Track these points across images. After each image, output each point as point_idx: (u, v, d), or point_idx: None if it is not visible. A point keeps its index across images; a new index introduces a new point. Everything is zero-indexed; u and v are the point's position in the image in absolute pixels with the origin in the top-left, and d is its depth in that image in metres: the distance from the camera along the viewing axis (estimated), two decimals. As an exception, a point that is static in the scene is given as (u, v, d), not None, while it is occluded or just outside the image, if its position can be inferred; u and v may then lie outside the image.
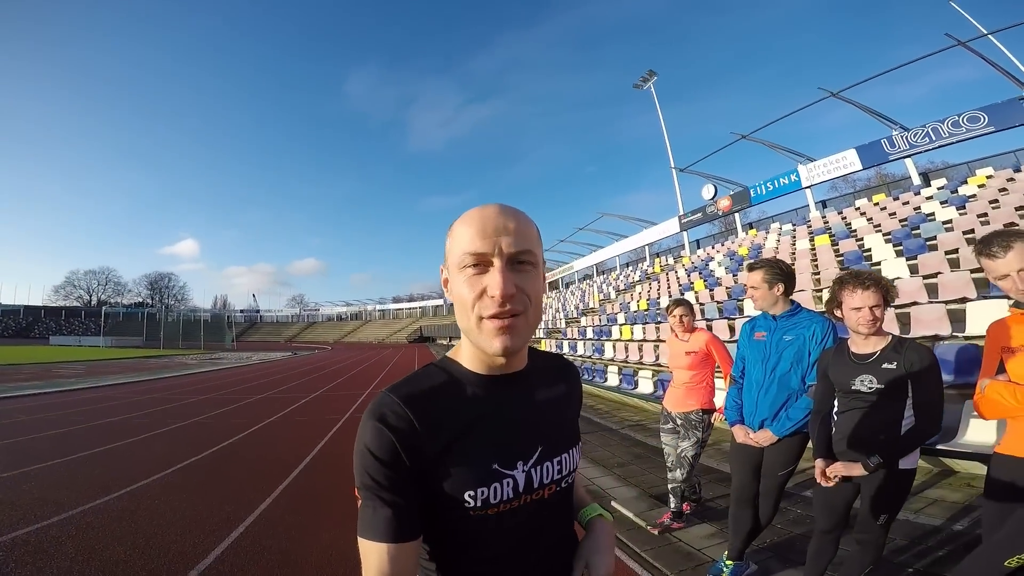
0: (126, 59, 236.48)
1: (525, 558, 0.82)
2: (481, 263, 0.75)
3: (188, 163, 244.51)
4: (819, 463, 2.17)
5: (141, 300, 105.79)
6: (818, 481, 2.16)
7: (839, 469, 2.08)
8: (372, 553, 0.71)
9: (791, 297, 2.72)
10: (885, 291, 2.08)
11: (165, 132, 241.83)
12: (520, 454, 0.81)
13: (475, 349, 0.81)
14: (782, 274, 2.65)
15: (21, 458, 5.79)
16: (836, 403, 2.24)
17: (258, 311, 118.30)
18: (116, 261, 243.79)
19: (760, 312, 2.82)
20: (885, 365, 2.05)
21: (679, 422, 3.61)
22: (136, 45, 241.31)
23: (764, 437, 2.59)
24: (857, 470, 2.03)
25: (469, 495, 0.75)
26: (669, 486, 3.62)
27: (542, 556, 0.85)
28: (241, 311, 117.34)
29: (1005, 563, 1.59)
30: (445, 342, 50.46)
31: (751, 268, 2.73)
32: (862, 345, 2.15)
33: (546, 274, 0.90)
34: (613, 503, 4.11)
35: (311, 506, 4.22)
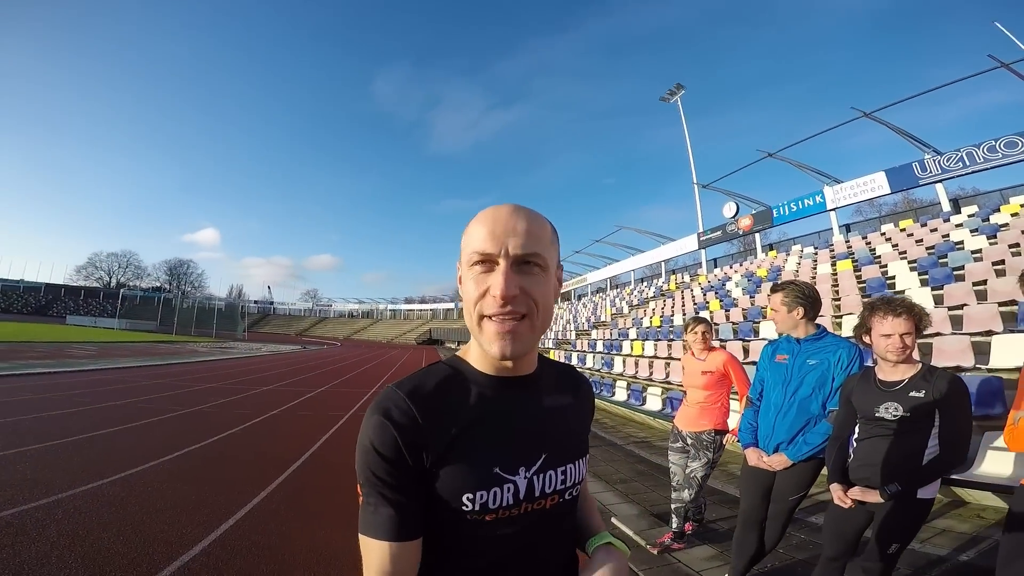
0: (166, 48, 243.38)
1: (521, 566, 0.80)
2: (488, 262, 0.75)
3: (215, 152, 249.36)
4: (835, 487, 2.14)
5: (159, 285, 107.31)
6: (835, 503, 2.12)
7: (856, 494, 2.05)
8: (373, 551, 0.70)
9: (816, 321, 2.64)
10: (918, 319, 2.02)
11: (196, 120, 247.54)
12: (523, 459, 0.79)
13: (482, 349, 0.80)
14: (804, 297, 2.57)
15: (21, 437, 5.78)
16: (857, 430, 2.18)
17: (271, 303, 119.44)
18: (139, 245, 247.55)
19: (783, 335, 2.73)
20: (913, 393, 1.99)
21: (690, 441, 3.50)
22: (177, 35, 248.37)
23: (778, 461, 2.50)
24: (873, 496, 2.00)
25: (468, 498, 0.73)
26: (673, 505, 3.51)
27: (537, 570, 0.82)
28: (255, 302, 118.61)
29: None
30: (453, 346, 50.46)
31: (774, 289, 2.67)
32: (890, 372, 2.09)
33: (561, 279, 0.85)
34: (613, 519, 3.98)
35: (305, 504, 4.13)
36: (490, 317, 0.74)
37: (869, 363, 2.31)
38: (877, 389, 2.09)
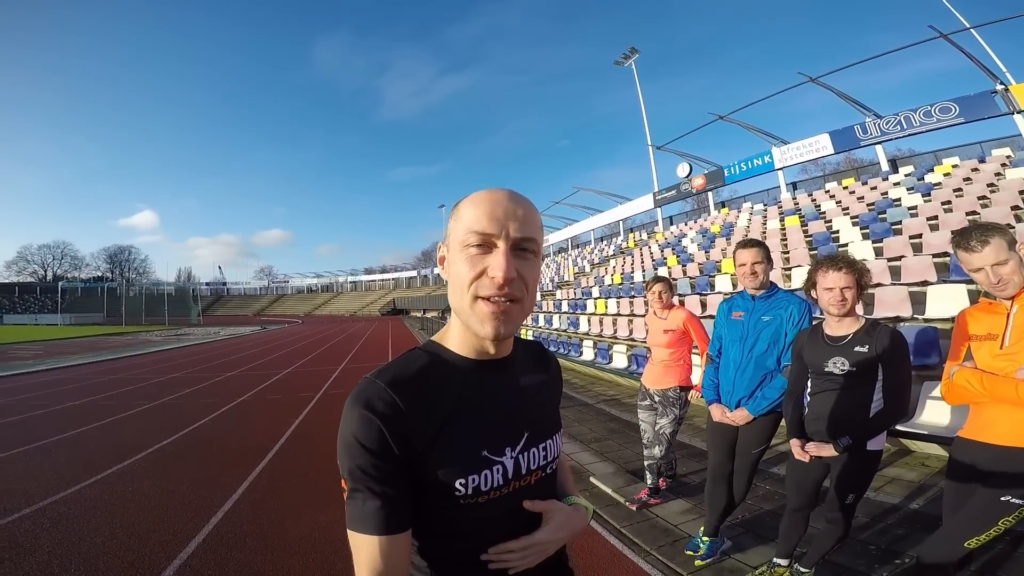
0: (72, 20, 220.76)
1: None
2: (486, 243, 0.74)
3: (137, 129, 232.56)
4: (794, 442, 2.26)
5: (100, 274, 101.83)
6: (796, 457, 2.25)
7: (812, 450, 2.18)
8: (363, 546, 0.69)
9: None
10: (859, 274, 2.12)
11: (110, 95, 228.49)
12: (508, 440, 0.81)
13: (464, 332, 0.81)
14: (770, 252, 2.71)
15: None
16: (809, 384, 2.31)
17: (224, 284, 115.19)
18: (71, 234, 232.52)
19: (738, 292, 2.86)
20: (857, 348, 2.10)
21: (657, 399, 3.67)
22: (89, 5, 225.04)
23: (741, 416, 2.66)
24: (828, 451, 2.13)
25: (460, 483, 0.74)
26: (646, 462, 3.71)
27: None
28: (207, 284, 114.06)
29: (965, 544, 1.69)
30: (419, 314, 50.14)
31: (748, 245, 2.69)
32: (836, 327, 2.21)
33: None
34: (591, 479, 4.21)
35: (290, 487, 4.20)
36: (486, 299, 0.74)
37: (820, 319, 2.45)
38: (825, 344, 2.21)
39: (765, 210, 18.02)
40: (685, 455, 4.67)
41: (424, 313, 48.35)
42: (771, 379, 2.63)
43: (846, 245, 9.23)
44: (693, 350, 3.76)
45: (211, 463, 4.96)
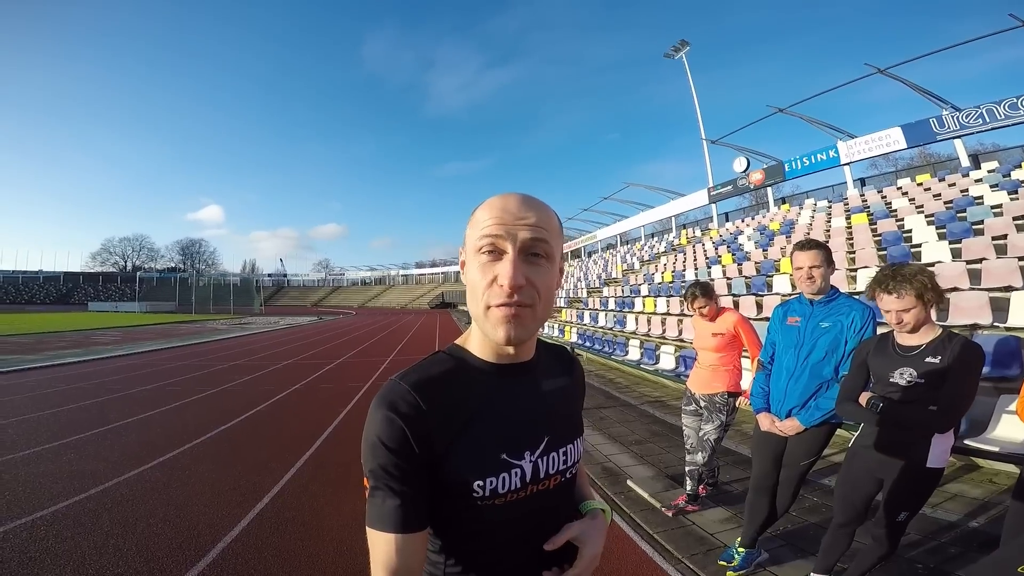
0: (141, 25, 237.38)
1: (527, 546, 0.84)
2: (495, 250, 0.75)
3: (201, 126, 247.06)
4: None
5: (174, 265, 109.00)
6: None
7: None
8: (380, 543, 0.71)
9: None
10: (920, 293, 1.97)
11: (175, 94, 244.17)
12: (528, 444, 0.82)
13: (484, 337, 0.82)
14: (831, 255, 2.54)
15: (61, 429, 6.04)
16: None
17: (285, 275, 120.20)
18: (148, 228, 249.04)
19: (796, 296, 2.72)
20: (929, 359, 1.97)
21: (703, 404, 3.56)
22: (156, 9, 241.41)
23: (791, 426, 2.54)
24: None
25: (478, 485, 0.75)
26: (687, 468, 3.61)
27: (540, 550, 0.86)
28: (269, 275, 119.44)
29: (1020, 570, 1.55)
30: (467, 308, 50.77)
31: (805, 247, 2.53)
32: (908, 337, 2.07)
33: (569, 243, 0.90)
34: (628, 482, 4.13)
35: (333, 476, 4.34)
36: (497, 306, 0.74)
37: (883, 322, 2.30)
38: (895, 353, 2.07)
39: (830, 207, 16.98)
40: (730, 462, 4.52)
41: (472, 307, 48.73)
42: (826, 389, 2.48)
43: (919, 246, 8.56)
44: (744, 353, 3.60)
45: (263, 449, 5.21)
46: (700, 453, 3.50)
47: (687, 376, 3.88)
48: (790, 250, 2.66)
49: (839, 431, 2.61)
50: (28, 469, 4.52)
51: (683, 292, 3.66)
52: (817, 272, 2.49)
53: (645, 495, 3.86)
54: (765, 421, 2.67)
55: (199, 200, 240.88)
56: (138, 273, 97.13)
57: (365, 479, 0.75)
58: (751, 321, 3.57)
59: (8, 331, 23.86)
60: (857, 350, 2.28)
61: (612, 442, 5.33)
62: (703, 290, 3.56)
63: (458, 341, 0.89)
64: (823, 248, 2.52)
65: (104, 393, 8.48)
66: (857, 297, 2.57)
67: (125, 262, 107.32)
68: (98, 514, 3.60)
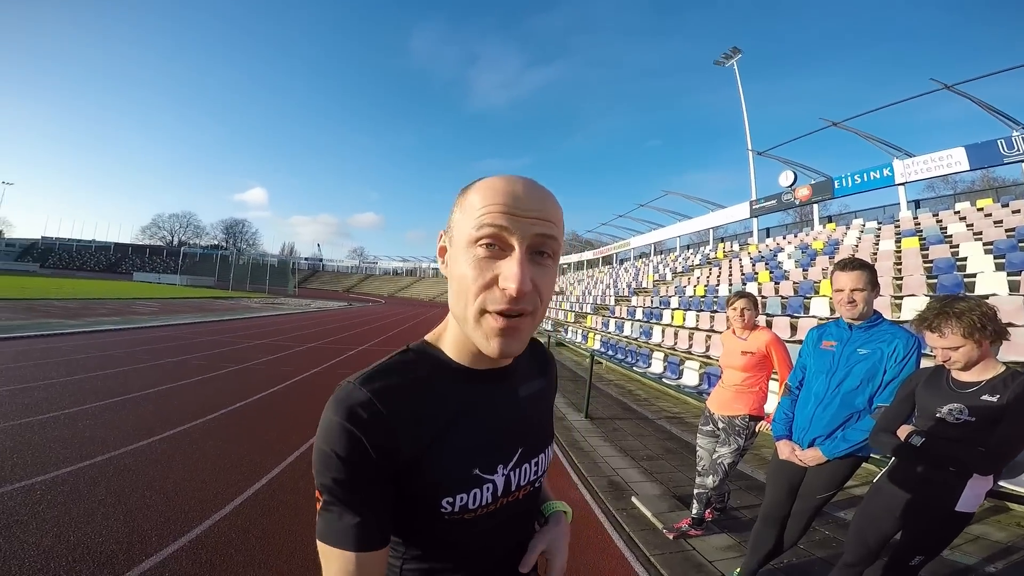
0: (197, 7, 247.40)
1: (493, 555, 0.79)
2: (499, 244, 0.65)
3: (256, 109, 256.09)
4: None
5: (216, 243, 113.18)
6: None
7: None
8: (335, 561, 0.64)
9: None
10: (968, 332, 1.79)
11: (230, 76, 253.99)
12: (501, 457, 0.76)
13: (462, 337, 0.74)
14: (876, 277, 2.31)
15: (84, 395, 6.15)
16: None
17: (321, 260, 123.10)
18: (196, 206, 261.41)
19: (834, 319, 2.51)
20: (985, 397, 1.78)
21: (721, 425, 3.35)
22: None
23: (812, 456, 2.34)
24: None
25: (447, 502, 0.69)
26: (695, 490, 3.41)
27: (506, 555, 0.83)
28: (305, 259, 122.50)
29: None
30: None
31: (848, 267, 2.30)
32: (965, 373, 1.88)
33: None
34: (633, 499, 3.94)
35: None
36: (495, 313, 0.64)
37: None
38: (948, 388, 1.90)
39: (879, 228, 16.16)
40: (743, 487, 4.27)
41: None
42: (857, 420, 2.27)
43: (974, 276, 7.98)
44: (773, 376, 3.37)
45: (272, 430, 5.20)
46: (711, 476, 3.30)
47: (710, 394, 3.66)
48: (831, 270, 2.43)
49: (865, 464, 2.39)
50: (43, 433, 4.60)
51: (727, 299, 3.47)
52: (859, 295, 2.26)
53: (648, 514, 3.66)
54: (785, 449, 2.48)
55: (246, 182, 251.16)
56: (182, 248, 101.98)
57: (317, 492, 0.67)
58: (785, 343, 3.31)
59: (57, 295, 25.03)
60: (906, 380, 2.08)
61: (622, 455, 5.11)
62: (748, 295, 3.39)
63: (429, 338, 0.80)
64: (867, 269, 2.28)
65: (132, 362, 8.69)
66: (902, 325, 2.33)
67: (172, 237, 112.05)
68: (96, 482, 3.61)
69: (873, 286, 2.28)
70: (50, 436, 4.54)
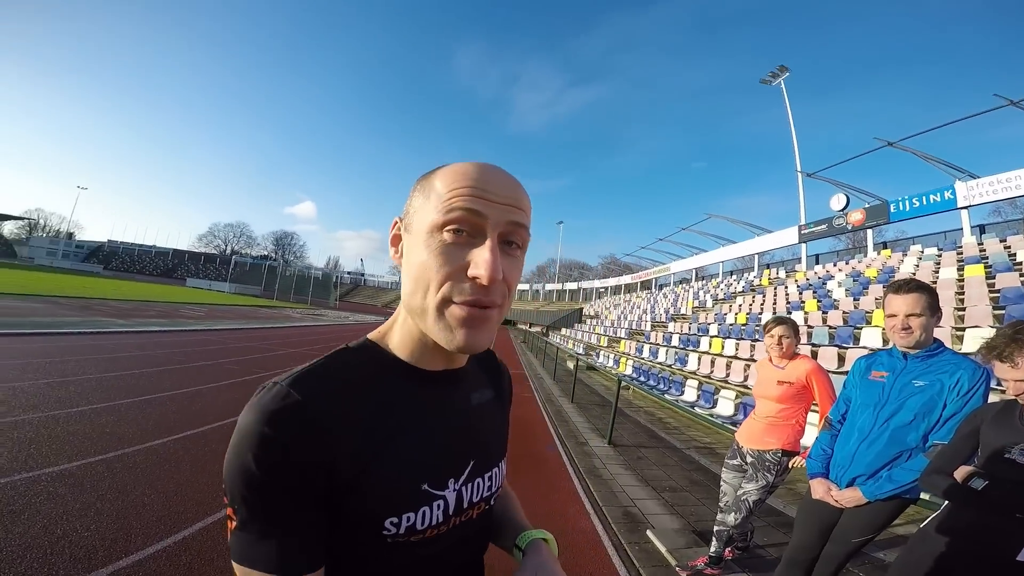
0: (259, 29, 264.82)
1: None
2: (469, 231, 0.60)
3: (307, 125, 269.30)
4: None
5: (266, 253, 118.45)
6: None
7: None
8: None
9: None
10: None
11: (287, 94, 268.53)
12: (453, 471, 0.68)
13: (414, 335, 0.67)
14: (937, 301, 2.00)
15: (116, 391, 6.29)
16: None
17: (363, 275, 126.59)
18: (250, 217, 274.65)
19: (886, 349, 2.20)
20: None
21: (749, 460, 3.01)
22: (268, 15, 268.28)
23: (850, 497, 2.04)
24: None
25: (391, 522, 0.61)
26: (715, 527, 3.09)
27: None
28: (348, 273, 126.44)
29: None
30: (526, 327, 50.43)
31: (904, 289, 2.02)
32: None
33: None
34: (648, 532, 3.62)
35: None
36: (461, 303, 0.59)
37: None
38: (1021, 426, 1.63)
39: (939, 255, 15.10)
40: (772, 523, 3.89)
41: (530, 326, 48.51)
42: (907, 458, 1.96)
43: (1051, 308, 7.23)
44: (813, 408, 3.01)
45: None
46: (733, 513, 2.97)
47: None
48: (885, 293, 2.12)
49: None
50: (66, 426, 4.68)
51: (764, 325, 3.15)
52: (916, 321, 1.97)
53: (663, 549, 3.34)
54: (820, 488, 2.18)
55: (297, 195, 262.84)
56: (233, 257, 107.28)
57: (230, 509, 0.57)
58: (829, 374, 2.97)
59: (113, 295, 26.55)
60: (969, 416, 1.79)
61: (643, 485, 4.76)
62: (787, 321, 3.06)
63: (373, 336, 0.72)
64: (926, 291, 1.98)
65: (168, 363, 8.91)
66: (968, 356, 2.01)
67: (226, 245, 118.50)
68: (101, 477, 3.60)
69: (933, 311, 1.98)
70: (72, 429, 4.60)
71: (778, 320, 3.06)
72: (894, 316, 2.01)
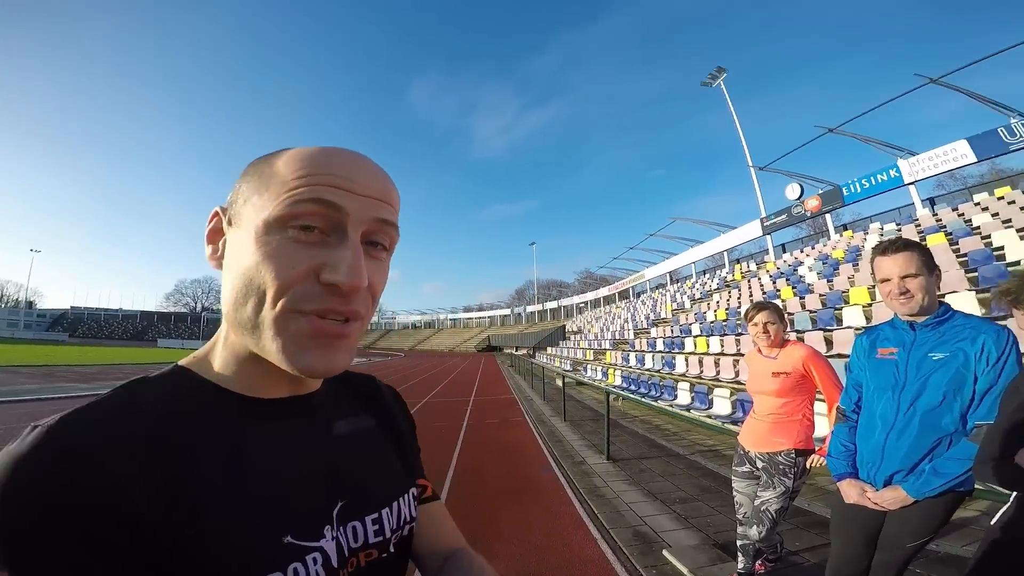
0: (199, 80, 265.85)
1: None
2: (322, 228, 0.49)
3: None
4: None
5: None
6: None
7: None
8: None
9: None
10: None
11: (236, 142, 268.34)
12: (320, 516, 0.53)
13: (243, 354, 0.53)
14: (932, 258, 1.77)
15: None
16: None
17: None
18: (211, 271, 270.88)
19: (886, 321, 1.93)
20: None
21: (760, 464, 2.70)
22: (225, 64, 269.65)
23: (892, 498, 1.73)
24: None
25: None
26: (739, 542, 2.79)
27: None
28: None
29: None
30: (512, 350, 50.00)
31: (892, 249, 1.79)
32: None
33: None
34: (665, 552, 3.33)
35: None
36: (311, 314, 0.47)
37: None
38: None
39: (899, 229, 15.63)
40: (799, 524, 3.64)
41: (516, 350, 48.18)
42: (948, 446, 1.68)
43: (1016, 263, 7.42)
44: (819, 397, 2.70)
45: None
46: (755, 527, 2.65)
47: (738, 433, 3.04)
48: (871, 258, 1.88)
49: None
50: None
51: (744, 313, 2.88)
52: (914, 283, 1.73)
53: (684, 570, 3.06)
54: (852, 491, 1.86)
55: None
56: (203, 314, 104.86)
57: None
58: (826, 358, 2.71)
59: (77, 361, 25.59)
60: (1011, 388, 1.50)
61: (651, 500, 4.48)
62: (769, 306, 2.77)
63: (185, 362, 0.56)
64: (916, 248, 1.75)
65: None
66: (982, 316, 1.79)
67: (195, 303, 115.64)
68: None
69: (930, 269, 1.75)
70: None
71: (759, 306, 2.78)
72: (887, 280, 1.77)
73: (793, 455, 2.57)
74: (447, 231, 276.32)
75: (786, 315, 2.85)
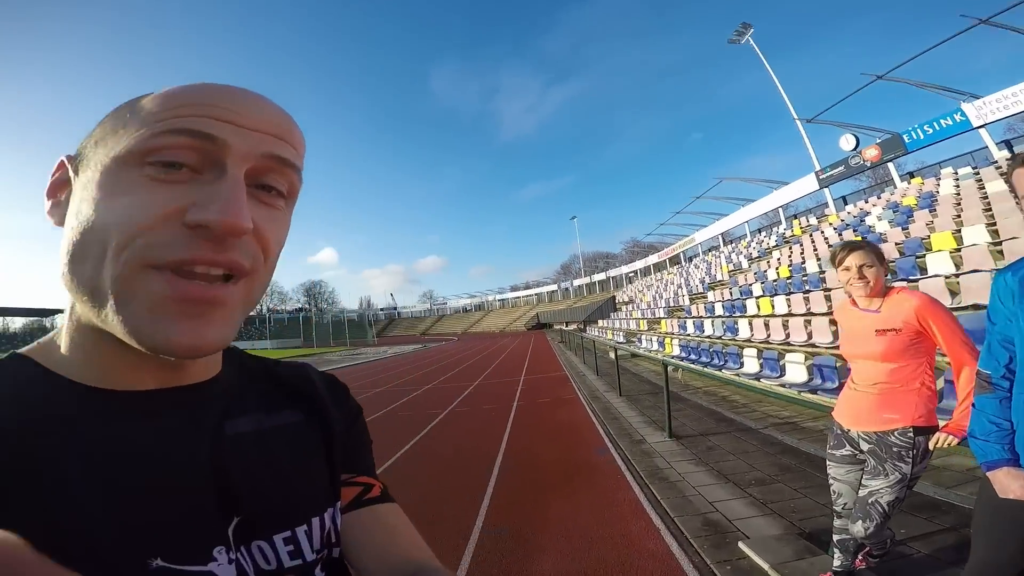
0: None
1: None
2: (194, 165, 0.39)
3: (318, 175, 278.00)
4: None
5: (300, 306, 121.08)
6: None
7: None
8: None
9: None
10: None
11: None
12: (207, 534, 0.42)
13: (91, 335, 0.42)
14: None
15: None
16: None
17: (395, 308, 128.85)
18: (277, 274, 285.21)
19: None
20: None
21: (864, 447, 2.14)
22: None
23: None
24: None
25: None
26: (835, 537, 2.30)
27: None
28: (382, 309, 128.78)
29: None
30: (563, 326, 49.60)
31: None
32: None
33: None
34: (741, 544, 2.92)
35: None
36: (169, 270, 0.37)
37: None
38: None
39: (976, 173, 14.12)
40: (906, 507, 3.00)
41: (566, 325, 47.76)
42: None
43: None
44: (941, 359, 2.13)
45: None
46: (861, 522, 2.11)
47: (825, 389, 2.53)
48: (1008, 170, 1.38)
49: None
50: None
51: (831, 256, 2.28)
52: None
53: (764, 566, 2.64)
54: (1013, 483, 1.41)
55: (316, 244, 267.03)
56: (269, 314, 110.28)
57: None
58: (948, 310, 2.06)
59: None
60: None
61: (721, 483, 4.02)
62: (864, 246, 2.15)
63: (26, 350, 0.44)
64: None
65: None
66: None
67: (260, 305, 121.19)
68: None
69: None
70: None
71: (850, 246, 2.16)
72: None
73: (911, 434, 2.01)
74: (488, 213, 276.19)
75: (880, 249, 2.24)
